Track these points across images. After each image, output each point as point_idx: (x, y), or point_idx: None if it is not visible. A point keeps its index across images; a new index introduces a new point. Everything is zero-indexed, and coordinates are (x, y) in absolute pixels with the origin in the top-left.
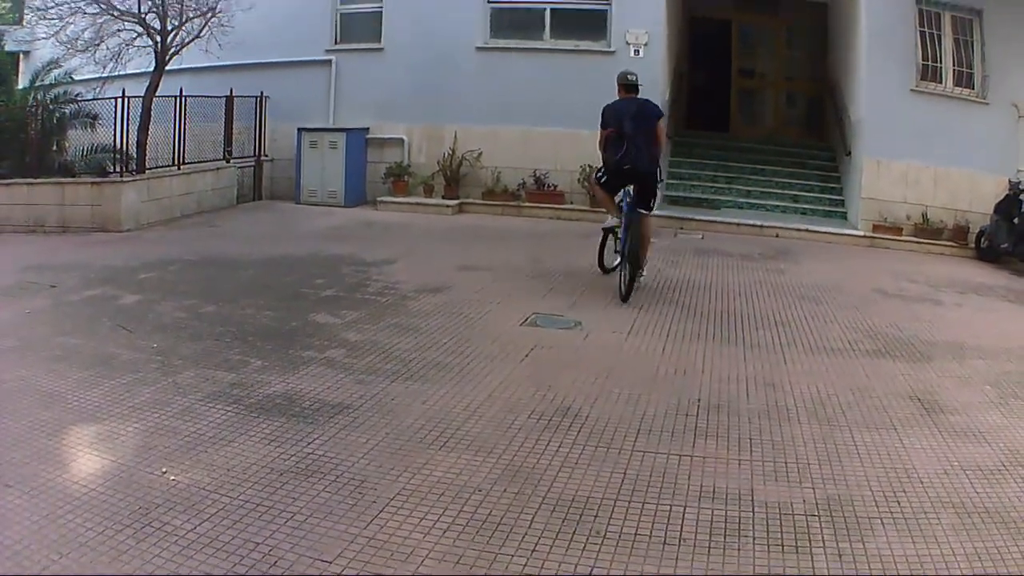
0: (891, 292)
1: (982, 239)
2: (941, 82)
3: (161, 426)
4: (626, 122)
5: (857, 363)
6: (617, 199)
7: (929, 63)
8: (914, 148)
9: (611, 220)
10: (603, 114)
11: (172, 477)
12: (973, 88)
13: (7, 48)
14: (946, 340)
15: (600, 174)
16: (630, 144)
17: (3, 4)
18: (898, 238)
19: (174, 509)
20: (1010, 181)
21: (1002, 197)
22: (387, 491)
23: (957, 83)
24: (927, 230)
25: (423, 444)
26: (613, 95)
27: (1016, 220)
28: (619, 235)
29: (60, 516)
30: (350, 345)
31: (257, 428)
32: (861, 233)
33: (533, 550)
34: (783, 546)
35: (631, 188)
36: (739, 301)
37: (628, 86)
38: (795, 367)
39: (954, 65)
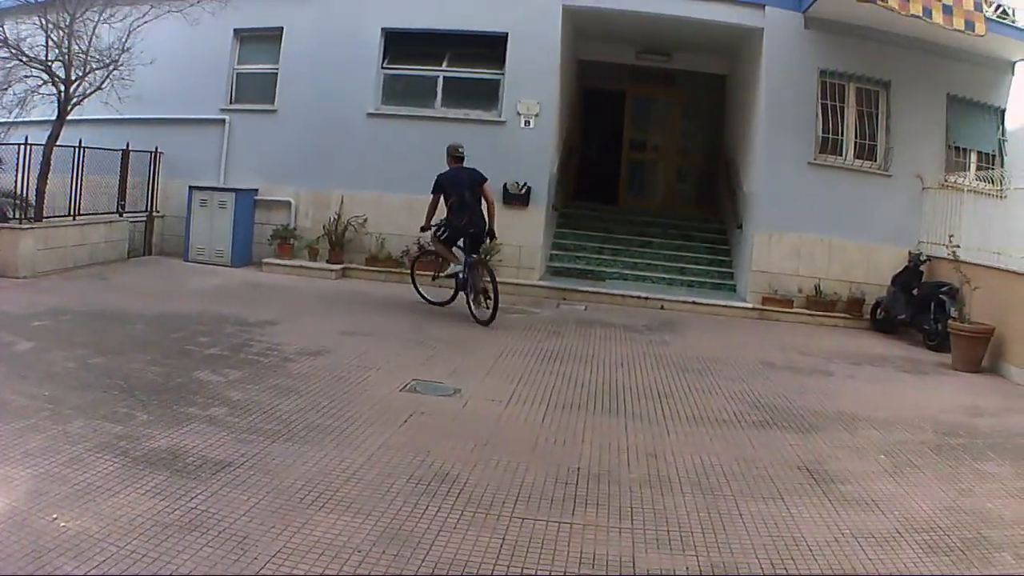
0: (779, 364)
1: (878, 310)
2: (842, 155)
3: (52, 473)
4: (465, 192)
5: (742, 434)
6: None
7: (830, 136)
8: (809, 221)
9: (454, 267)
10: (439, 182)
11: (63, 524)
12: (875, 160)
13: None
14: (837, 411)
15: (442, 232)
16: (470, 211)
17: None
18: (788, 310)
19: (65, 555)
20: (910, 253)
21: (900, 268)
22: (268, 548)
23: (859, 155)
24: (820, 302)
25: (303, 504)
26: (504, 163)
27: (915, 291)
28: (463, 276)
29: None
30: (232, 404)
31: (143, 481)
32: (750, 305)
33: None
34: None
35: (463, 241)
36: (621, 372)
37: (459, 158)
38: (678, 438)
39: (856, 137)
